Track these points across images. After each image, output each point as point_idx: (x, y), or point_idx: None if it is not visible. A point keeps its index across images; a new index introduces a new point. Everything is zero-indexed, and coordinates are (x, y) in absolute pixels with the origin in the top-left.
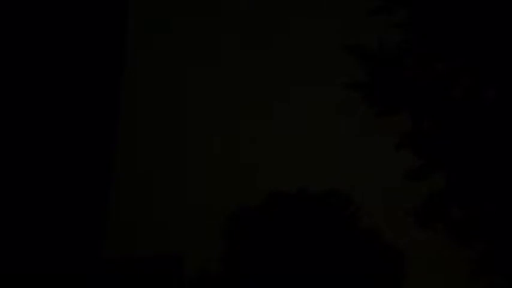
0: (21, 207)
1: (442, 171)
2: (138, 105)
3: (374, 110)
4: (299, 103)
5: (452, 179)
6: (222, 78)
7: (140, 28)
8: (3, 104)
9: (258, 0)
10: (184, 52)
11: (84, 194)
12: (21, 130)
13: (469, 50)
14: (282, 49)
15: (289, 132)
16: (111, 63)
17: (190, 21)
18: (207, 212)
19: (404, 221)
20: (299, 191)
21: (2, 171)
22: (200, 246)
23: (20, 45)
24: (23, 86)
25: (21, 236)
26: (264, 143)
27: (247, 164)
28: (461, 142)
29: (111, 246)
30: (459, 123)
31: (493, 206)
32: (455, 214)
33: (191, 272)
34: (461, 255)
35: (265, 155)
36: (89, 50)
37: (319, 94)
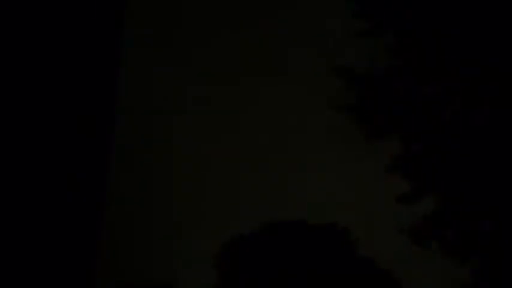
0: (15, 210)
1: (433, 194)
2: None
3: (364, 133)
4: (287, 127)
5: (444, 201)
6: (222, 78)
7: (137, 27)
8: (1, 104)
9: (249, 18)
10: (183, 52)
11: (76, 214)
12: (17, 130)
13: (458, 74)
14: (269, 72)
15: (278, 159)
16: (108, 63)
17: (189, 22)
18: (201, 240)
19: (401, 247)
20: (296, 222)
21: None
22: (192, 275)
23: (19, 45)
24: (21, 85)
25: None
26: (255, 170)
27: (242, 193)
28: (451, 164)
29: (102, 274)
30: (449, 146)
31: (486, 225)
32: (449, 233)
33: None
34: (456, 276)
35: (258, 183)
36: (86, 50)
37: (308, 118)
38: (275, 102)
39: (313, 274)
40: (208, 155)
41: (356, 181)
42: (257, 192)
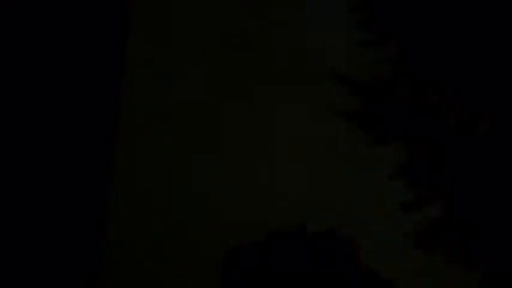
0: (17, 210)
1: (437, 202)
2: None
3: (367, 140)
4: (290, 135)
5: (448, 210)
6: (223, 80)
7: (141, 27)
8: (3, 104)
9: (253, 25)
10: (186, 52)
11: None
12: (19, 131)
13: (461, 83)
14: (273, 77)
15: (283, 166)
16: (111, 63)
17: (192, 22)
18: (204, 250)
19: (403, 255)
20: (298, 229)
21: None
22: (196, 285)
23: (20, 45)
24: (23, 86)
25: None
26: (262, 178)
27: (245, 202)
28: (456, 173)
29: (107, 278)
30: (453, 154)
31: (492, 233)
32: (456, 239)
33: None
34: (461, 283)
35: (263, 191)
36: (90, 50)
37: (311, 124)
38: (275, 107)
39: (314, 282)
40: (211, 156)
41: (357, 187)
42: (258, 198)
